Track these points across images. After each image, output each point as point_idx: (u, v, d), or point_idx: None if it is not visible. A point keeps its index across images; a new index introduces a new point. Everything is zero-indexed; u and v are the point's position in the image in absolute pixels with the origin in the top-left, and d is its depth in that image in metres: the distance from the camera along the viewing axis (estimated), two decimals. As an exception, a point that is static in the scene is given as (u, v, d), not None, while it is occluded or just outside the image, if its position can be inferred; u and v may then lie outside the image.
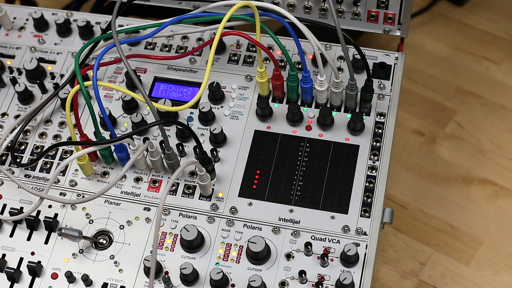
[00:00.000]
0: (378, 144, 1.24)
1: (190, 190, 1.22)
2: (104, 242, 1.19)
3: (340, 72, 1.32)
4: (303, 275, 1.13)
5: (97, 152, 1.24)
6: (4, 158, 1.27)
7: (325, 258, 1.14)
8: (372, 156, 1.23)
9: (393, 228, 1.50)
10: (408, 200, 1.53)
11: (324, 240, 1.17)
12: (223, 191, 1.22)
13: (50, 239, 1.20)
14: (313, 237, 1.17)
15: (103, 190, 1.15)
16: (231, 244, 1.18)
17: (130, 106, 1.29)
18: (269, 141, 1.26)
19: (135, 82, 1.17)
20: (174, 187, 1.23)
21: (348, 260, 1.14)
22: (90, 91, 1.29)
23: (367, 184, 1.21)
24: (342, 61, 1.33)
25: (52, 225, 1.19)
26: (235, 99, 1.30)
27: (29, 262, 1.17)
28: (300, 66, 1.32)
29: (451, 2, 1.83)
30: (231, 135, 1.26)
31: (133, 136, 1.25)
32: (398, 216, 1.50)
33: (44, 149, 1.27)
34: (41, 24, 1.40)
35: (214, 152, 1.24)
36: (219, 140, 1.25)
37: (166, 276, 1.14)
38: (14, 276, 1.16)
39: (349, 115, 1.27)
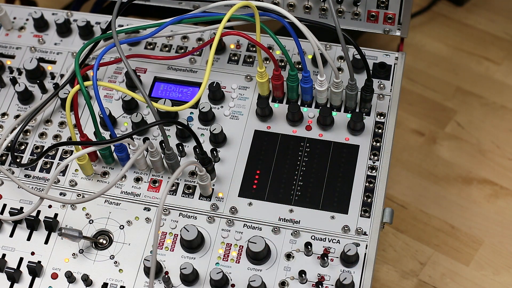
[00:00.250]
0: (378, 144, 1.24)
1: (190, 190, 1.22)
2: (104, 242, 1.19)
3: (340, 72, 1.32)
4: (303, 275, 1.13)
5: (97, 152, 1.24)
6: (4, 158, 1.27)
7: (325, 258, 1.14)
8: (372, 156, 1.23)
9: (393, 228, 1.50)
10: (408, 200, 1.53)
11: (324, 240, 1.17)
12: (223, 191, 1.22)
13: (50, 239, 1.20)
14: (313, 237, 1.17)
15: (103, 190, 1.15)
16: (231, 244, 1.18)
17: (130, 106, 1.29)
18: (269, 141, 1.26)
19: (135, 82, 1.17)
20: (174, 187, 1.23)
21: (348, 260, 1.14)
22: (90, 91, 1.29)
23: (367, 184, 1.21)
24: (342, 61, 1.33)
25: (52, 225, 1.19)
26: (235, 99, 1.30)
27: (29, 262, 1.17)
28: (300, 66, 1.32)
29: (451, 2, 1.83)
30: (231, 135, 1.26)
31: (133, 136, 1.25)
32: (398, 216, 1.50)
33: (44, 149, 1.27)
34: (41, 24, 1.40)
35: (214, 152, 1.24)
36: (219, 140, 1.25)
37: (166, 276, 1.14)
38: (14, 276, 1.16)
39: (349, 115, 1.27)
